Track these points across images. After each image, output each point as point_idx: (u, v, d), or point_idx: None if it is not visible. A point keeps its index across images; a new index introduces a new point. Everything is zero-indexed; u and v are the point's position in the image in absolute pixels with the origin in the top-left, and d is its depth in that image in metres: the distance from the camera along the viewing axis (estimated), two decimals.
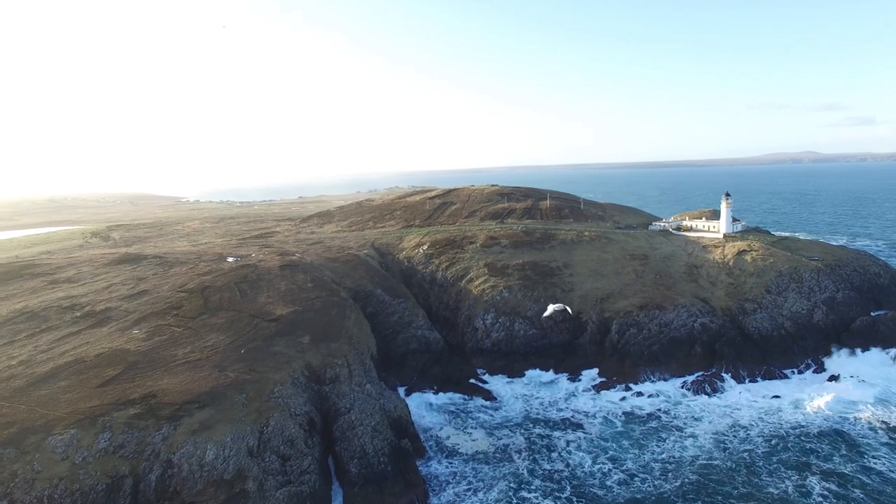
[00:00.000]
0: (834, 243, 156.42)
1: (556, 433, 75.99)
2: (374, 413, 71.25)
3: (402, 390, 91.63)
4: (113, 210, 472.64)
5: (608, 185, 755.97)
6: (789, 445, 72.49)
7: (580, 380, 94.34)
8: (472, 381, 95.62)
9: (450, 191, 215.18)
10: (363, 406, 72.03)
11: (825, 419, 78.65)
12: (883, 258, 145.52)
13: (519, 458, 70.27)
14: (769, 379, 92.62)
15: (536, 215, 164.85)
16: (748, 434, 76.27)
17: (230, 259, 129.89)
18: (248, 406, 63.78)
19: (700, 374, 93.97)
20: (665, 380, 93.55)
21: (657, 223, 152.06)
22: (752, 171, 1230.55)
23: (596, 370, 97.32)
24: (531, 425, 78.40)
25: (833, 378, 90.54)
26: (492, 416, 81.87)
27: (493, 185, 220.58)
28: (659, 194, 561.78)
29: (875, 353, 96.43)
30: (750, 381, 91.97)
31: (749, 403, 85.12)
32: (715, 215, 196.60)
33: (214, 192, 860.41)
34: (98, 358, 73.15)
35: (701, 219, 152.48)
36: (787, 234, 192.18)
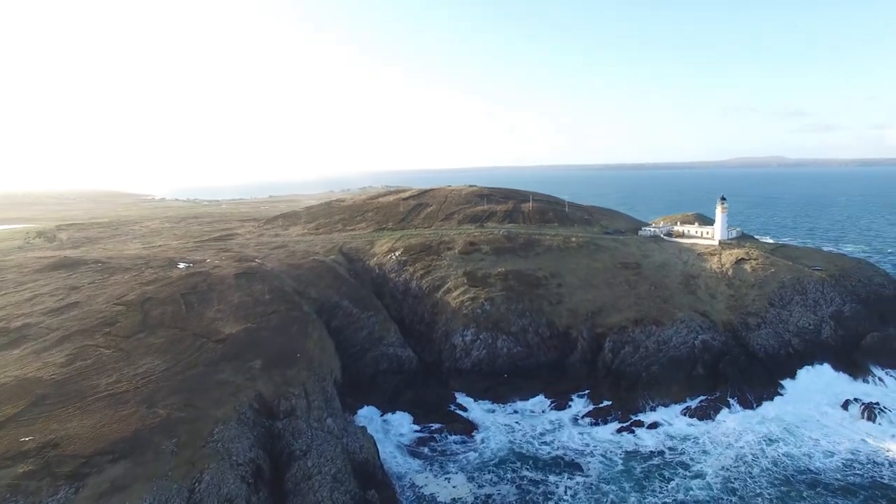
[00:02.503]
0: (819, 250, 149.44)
1: (552, 478, 65.17)
2: (336, 457, 59.81)
3: (369, 418, 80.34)
4: (72, 207, 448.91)
5: (575, 186, 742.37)
6: (804, 490, 63.35)
7: (571, 406, 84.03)
8: (450, 406, 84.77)
9: (425, 191, 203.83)
10: (322, 448, 60.48)
11: (847, 454, 69.82)
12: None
13: None
14: (777, 402, 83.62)
15: (518, 218, 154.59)
16: (759, 472, 67.11)
17: (181, 265, 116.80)
18: (178, 455, 51.71)
19: (704, 398, 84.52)
20: (665, 406, 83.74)
21: (647, 228, 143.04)
22: (721, 175, 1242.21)
23: (588, 394, 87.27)
24: (520, 466, 67.51)
25: (848, 404, 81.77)
26: (475, 453, 70.76)
27: (471, 186, 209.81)
28: (625, 197, 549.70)
29: (892, 375, 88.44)
30: (757, 406, 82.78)
31: (758, 431, 75.89)
32: (699, 219, 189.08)
33: (185, 189, 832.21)
34: None
35: (693, 223, 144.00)
36: (768, 240, 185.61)
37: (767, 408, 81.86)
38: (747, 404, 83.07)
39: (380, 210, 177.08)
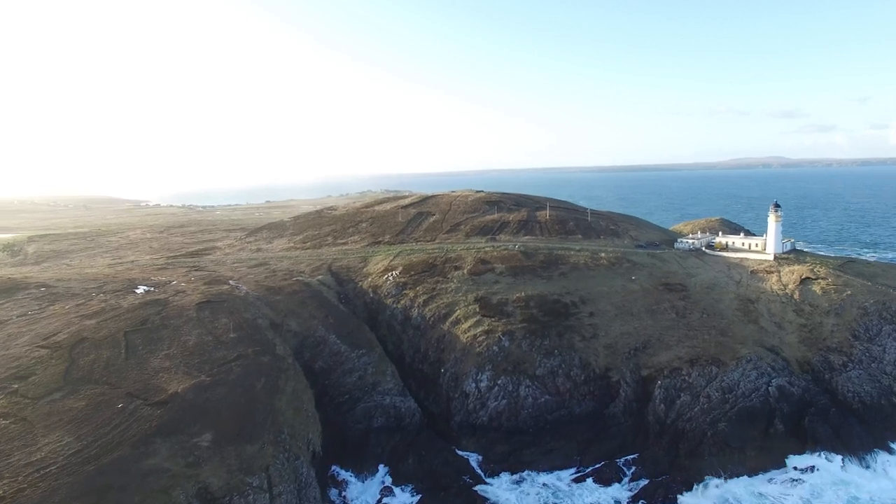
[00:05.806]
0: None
1: None
2: None
3: (360, 500, 61.75)
4: (61, 215, 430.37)
5: (571, 189, 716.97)
6: None
7: (621, 480, 65.10)
8: (464, 477, 66.00)
9: (427, 198, 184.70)
10: None
11: None
12: None
13: None
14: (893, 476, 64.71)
15: (535, 230, 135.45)
16: None
17: (140, 289, 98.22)
18: None
19: (788, 468, 65.69)
20: (738, 476, 64.89)
21: (684, 240, 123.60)
22: (721, 176, 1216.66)
23: (638, 459, 68.55)
24: None
25: None
26: None
27: (477, 192, 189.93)
28: (616, 199, 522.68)
29: None
30: (864, 481, 63.79)
31: None
32: (726, 226, 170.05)
33: (183, 195, 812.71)
34: None
35: (739, 234, 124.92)
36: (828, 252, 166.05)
37: (879, 484, 62.80)
38: (848, 480, 64.13)
39: (375, 220, 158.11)
